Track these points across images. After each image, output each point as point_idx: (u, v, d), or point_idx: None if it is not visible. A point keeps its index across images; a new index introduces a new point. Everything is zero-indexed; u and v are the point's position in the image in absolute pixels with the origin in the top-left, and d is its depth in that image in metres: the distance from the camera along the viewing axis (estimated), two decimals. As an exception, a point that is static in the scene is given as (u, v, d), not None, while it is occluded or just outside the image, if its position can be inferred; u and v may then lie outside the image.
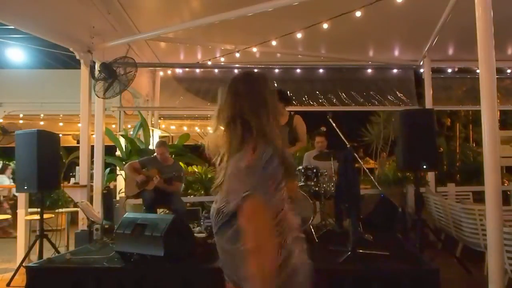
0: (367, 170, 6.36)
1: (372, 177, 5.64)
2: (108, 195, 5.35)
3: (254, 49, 6.27)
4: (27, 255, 4.47)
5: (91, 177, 5.31)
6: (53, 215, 5.63)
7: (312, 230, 4.36)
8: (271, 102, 1.42)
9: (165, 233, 3.14)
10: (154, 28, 5.30)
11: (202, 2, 5.34)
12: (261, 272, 1.20)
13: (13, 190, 7.51)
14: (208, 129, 10.42)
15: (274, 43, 6.18)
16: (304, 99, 7.45)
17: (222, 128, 1.39)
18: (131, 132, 7.25)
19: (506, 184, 7.42)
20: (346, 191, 3.81)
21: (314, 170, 4.65)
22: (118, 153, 6.91)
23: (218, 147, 1.38)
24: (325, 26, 5.44)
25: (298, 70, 7.40)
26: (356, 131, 11.17)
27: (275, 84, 7.40)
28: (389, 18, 5.45)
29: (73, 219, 6.00)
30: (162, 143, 5.26)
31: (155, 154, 5.20)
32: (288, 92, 7.26)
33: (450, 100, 7.63)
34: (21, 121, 9.40)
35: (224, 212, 1.33)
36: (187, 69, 7.70)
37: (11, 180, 8.29)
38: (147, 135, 6.88)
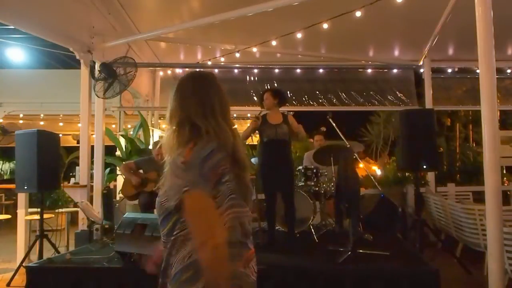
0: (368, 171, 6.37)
1: (372, 178, 5.64)
2: (108, 195, 5.34)
3: (254, 49, 6.27)
4: (27, 255, 4.47)
5: (91, 177, 5.30)
6: (53, 215, 5.64)
7: (312, 230, 4.37)
8: (218, 101, 1.42)
9: (165, 233, 3.14)
10: (154, 28, 5.29)
11: (202, 2, 5.34)
12: (213, 267, 1.21)
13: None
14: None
15: (274, 43, 6.18)
16: (304, 99, 7.45)
17: (173, 128, 1.43)
18: (131, 132, 7.25)
19: (506, 184, 7.43)
20: (346, 191, 3.82)
21: (314, 170, 4.66)
22: (118, 153, 6.91)
23: (170, 147, 1.40)
24: (325, 26, 5.45)
25: (298, 70, 7.41)
26: (356, 131, 11.18)
27: (275, 84, 7.42)
28: (389, 18, 5.45)
29: (73, 219, 6.00)
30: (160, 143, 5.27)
31: (152, 155, 5.21)
32: (288, 92, 7.31)
33: (450, 100, 7.63)
34: (21, 121, 9.40)
35: (164, 206, 1.35)
36: (187, 69, 7.70)
37: None
38: (147, 135, 6.88)
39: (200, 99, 1.42)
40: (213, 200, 1.28)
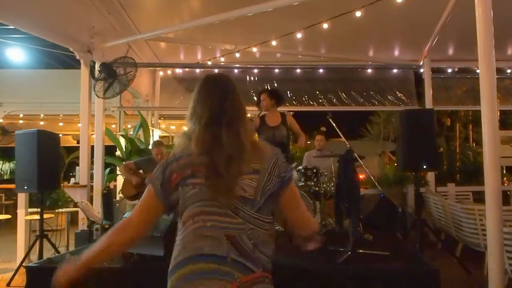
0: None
1: (372, 177, 5.65)
2: (108, 195, 5.33)
3: (254, 49, 6.27)
4: (27, 255, 4.47)
5: (91, 177, 5.30)
6: (53, 215, 5.64)
7: (312, 230, 4.35)
8: (198, 105, 1.44)
9: (165, 233, 3.14)
10: (154, 28, 5.30)
11: (202, 2, 5.34)
12: None
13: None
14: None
15: (274, 43, 6.18)
16: (304, 99, 7.45)
17: None
18: (131, 132, 7.25)
19: (506, 184, 7.44)
20: (346, 191, 3.81)
21: (314, 170, 4.65)
22: (118, 153, 6.91)
23: None
24: (325, 26, 5.45)
25: (298, 70, 7.41)
26: (356, 131, 11.19)
27: (275, 84, 7.42)
28: (389, 18, 5.45)
29: (73, 219, 6.00)
30: (159, 143, 5.27)
31: (152, 155, 5.21)
32: (288, 92, 7.31)
33: (450, 100, 7.63)
34: (21, 121, 9.40)
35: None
36: (187, 69, 7.71)
37: None
38: (147, 135, 6.87)
39: (193, 105, 1.46)
40: (158, 200, 1.40)
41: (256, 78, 7.63)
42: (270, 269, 1.36)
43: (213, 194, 1.31)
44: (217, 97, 1.42)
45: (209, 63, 7.04)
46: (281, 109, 4.89)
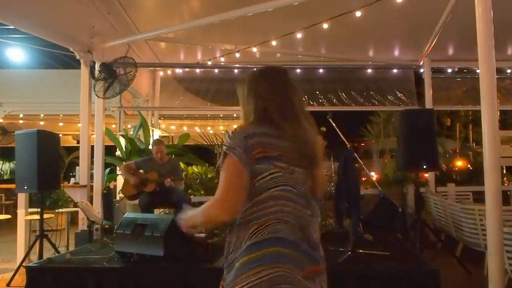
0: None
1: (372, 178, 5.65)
2: (108, 195, 5.34)
3: (254, 49, 6.27)
4: (27, 255, 4.47)
5: (91, 177, 5.31)
6: (53, 215, 5.64)
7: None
8: (287, 95, 1.46)
9: (165, 233, 3.14)
10: (154, 28, 5.30)
11: (202, 2, 5.34)
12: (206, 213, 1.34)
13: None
14: (208, 129, 10.44)
15: (274, 43, 6.18)
16: (304, 99, 7.44)
17: None
18: (131, 132, 7.25)
19: (506, 184, 7.43)
20: (346, 191, 3.81)
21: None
22: (118, 153, 6.91)
23: None
24: (325, 26, 5.45)
25: (298, 70, 7.40)
26: (356, 131, 11.18)
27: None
28: (389, 18, 5.45)
29: (73, 219, 6.00)
30: (159, 141, 5.31)
31: (152, 155, 5.22)
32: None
33: (450, 100, 7.63)
34: (21, 121, 9.40)
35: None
36: (187, 69, 7.70)
37: None
38: (147, 135, 6.87)
39: (269, 95, 1.44)
40: (245, 169, 1.30)
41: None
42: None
43: (295, 182, 1.35)
44: (291, 89, 1.47)
45: (209, 63, 7.04)
46: None
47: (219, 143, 6.84)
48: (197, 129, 10.45)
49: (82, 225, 4.92)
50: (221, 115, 9.86)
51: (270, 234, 1.30)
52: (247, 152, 1.29)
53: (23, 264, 4.12)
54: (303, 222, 1.35)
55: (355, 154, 4.57)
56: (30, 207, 5.19)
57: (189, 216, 1.42)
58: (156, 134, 7.63)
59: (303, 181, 1.37)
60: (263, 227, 1.30)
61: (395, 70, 7.40)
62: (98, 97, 5.13)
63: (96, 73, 5.17)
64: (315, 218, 1.41)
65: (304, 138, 1.40)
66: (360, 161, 4.79)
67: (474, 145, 10.63)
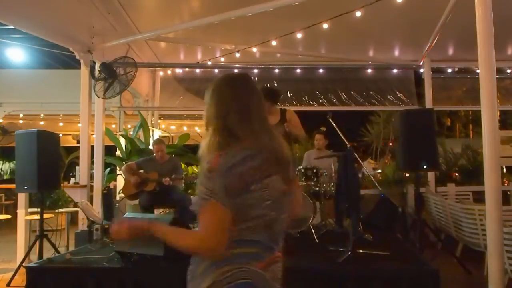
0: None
1: (372, 177, 5.65)
2: (108, 195, 5.34)
3: (254, 49, 6.27)
4: (27, 255, 4.47)
5: (91, 177, 5.31)
6: (53, 215, 5.64)
7: (312, 230, 4.36)
8: (253, 104, 1.38)
9: (165, 233, 3.14)
10: (154, 28, 5.30)
11: (202, 2, 5.34)
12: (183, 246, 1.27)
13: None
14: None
15: (274, 43, 6.18)
16: (304, 99, 7.45)
17: (210, 135, 1.38)
18: (131, 132, 7.25)
19: (506, 184, 7.43)
20: (346, 191, 3.81)
21: (314, 170, 4.65)
22: (118, 153, 6.91)
23: (204, 154, 1.36)
24: (325, 26, 5.44)
25: (298, 70, 7.40)
26: (356, 131, 11.19)
27: (275, 84, 7.41)
28: (389, 18, 5.45)
29: (73, 219, 6.00)
30: (160, 140, 5.33)
31: (153, 155, 5.23)
32: (288, 92, 7.30)
33: (450, 100, 7.63)
34: (21, 121, 9.41)
35: (194, 213, 1.38)
36: (187, 69, 7.71)
37: None
38: (147, 135, 6.88)
39: (237, 104, 1.37)
40: (229, 211, 1.25)
41: (256, 78, 7.62)
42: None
43: (272, 193, 1.33)
44: (255, 96, 1.41)
45: (209, 63, 7.04)
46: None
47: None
48: (197, 129, 10.46)
49: (82, 225, 4.92)
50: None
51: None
52: (228, 191, 1.25)
53: (23, 264, 4.12)
54: (270, 223, 1.34)
55: (355, 154, 4.57)
56: (30, 207, 5.19)
57: (156, 228, 1.35)
58: (156, 134, 7.63)
59: (279, 187, 1.35)
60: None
61: (395, 70, 7.40)
62: (98, 97, 5.13)
63: (96, 73, 5.17)
64: (286, 214, 1.39)
65: (276, 144, 1.38)
66: (360, 161, 4.79)
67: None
